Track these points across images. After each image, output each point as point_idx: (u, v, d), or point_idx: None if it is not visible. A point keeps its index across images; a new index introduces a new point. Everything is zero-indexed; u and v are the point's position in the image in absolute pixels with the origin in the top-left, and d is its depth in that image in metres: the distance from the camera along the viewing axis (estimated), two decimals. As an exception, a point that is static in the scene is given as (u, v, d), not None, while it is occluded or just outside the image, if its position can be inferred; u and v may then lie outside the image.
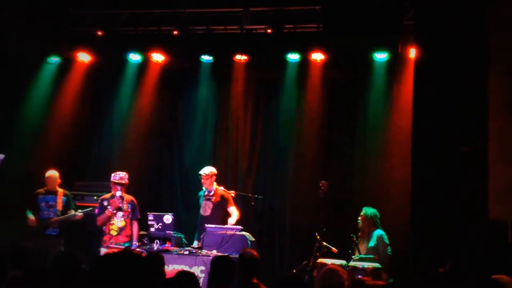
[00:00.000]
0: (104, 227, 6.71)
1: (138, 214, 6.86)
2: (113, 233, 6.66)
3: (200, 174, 6.97)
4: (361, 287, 3.65)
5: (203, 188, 7.05)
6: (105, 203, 6.72)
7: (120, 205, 6.68)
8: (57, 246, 6.85)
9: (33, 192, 7.01)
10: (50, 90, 8.25)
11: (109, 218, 6.67)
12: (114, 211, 6.66)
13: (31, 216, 6.88)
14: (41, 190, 7.03)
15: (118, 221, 6.68)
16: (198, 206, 7.08)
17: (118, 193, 6.67)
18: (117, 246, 6.44)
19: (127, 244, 6.58)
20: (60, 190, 7.06)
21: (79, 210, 7.06)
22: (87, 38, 7.95)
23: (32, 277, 3.09)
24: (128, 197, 6.83)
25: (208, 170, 7.01)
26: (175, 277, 3.34)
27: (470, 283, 5.33)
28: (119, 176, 6.77)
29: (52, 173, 7.07)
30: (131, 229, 6.76)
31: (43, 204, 6.97)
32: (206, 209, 6.97)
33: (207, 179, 6.95)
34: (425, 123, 5.90)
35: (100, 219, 6.69)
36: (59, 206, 6.98)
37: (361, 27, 7.05)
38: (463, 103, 5.80)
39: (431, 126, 5.89)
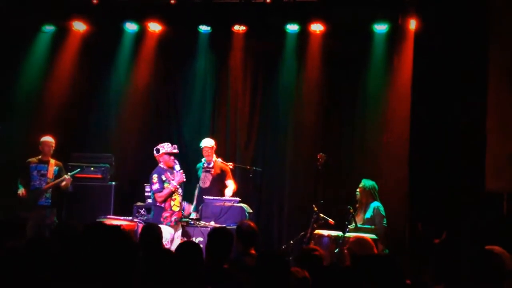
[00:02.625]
0: (164, 203, 6.10)
1: None
2: (175, 208, 6.13)
3: (205, 146, 6.92)
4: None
5: (202, 160, 7.04)
6: (163, 177, 6.13)
7: (184, 179, 6.26)
8: (51, 216, 6.81)
9: (24, 161, 6.89)
10: (46, 59, 8.12)
11: (172, 194, 6.14)
12: (178, 186, 6.19)
13: (21, 188, 6.72)
14: (34, 159, 6.88)
15: (179, 196, 6.21)
16: (197, 178, 7.08)
17: (178, 167, 6.18)
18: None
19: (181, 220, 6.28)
20: (52, 160, 6.94)
21: (68, 174, 6.87)
22: (82, 7, 7.78)
23: (33, 247, 3.07)
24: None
25: (211, 142, 6.99)
26: (180, 247, 3.35)
27: (465, 254, 5.40)
28: (173, 145, 6.28)
29: (48, 139, 6.91)
30: None
31: (35, 173, 6.82)
32: (205, 181, 6.98)
33: (209, 149, 6.94)
34: (425, 95, 5.88)
35: (163, 195, 6.06)
36: (50, 175, 6.84)
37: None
38: (462, 75, 5.77)
39: (430, 98, 5.87)
